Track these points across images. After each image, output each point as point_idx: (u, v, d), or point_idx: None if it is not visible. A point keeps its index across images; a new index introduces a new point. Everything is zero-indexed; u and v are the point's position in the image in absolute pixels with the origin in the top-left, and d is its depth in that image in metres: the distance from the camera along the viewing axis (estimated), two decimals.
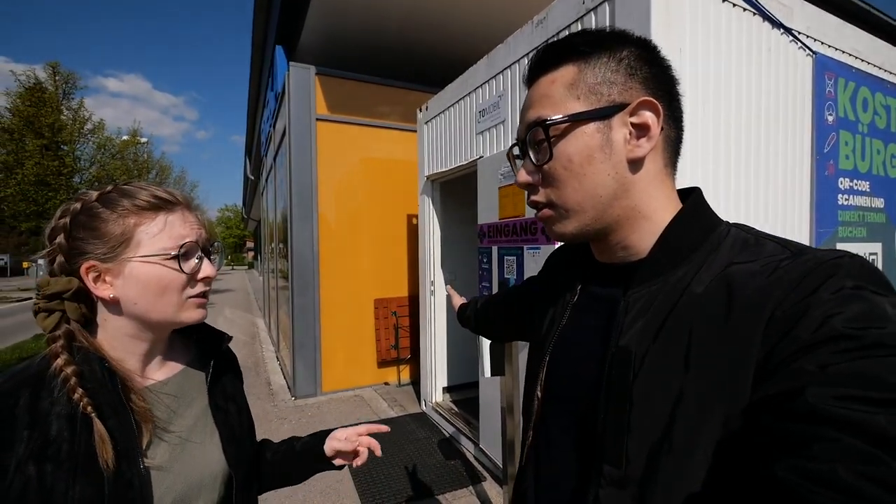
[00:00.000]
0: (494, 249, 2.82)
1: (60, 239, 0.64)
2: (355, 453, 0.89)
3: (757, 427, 0.37)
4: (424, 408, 4.14)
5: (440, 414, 3.82)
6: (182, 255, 0.67)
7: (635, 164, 0.51)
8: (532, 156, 0.54)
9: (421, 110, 3.92)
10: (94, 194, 0.67)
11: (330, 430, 0.93)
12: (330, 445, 0.89)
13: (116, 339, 0.68)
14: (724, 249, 0.48)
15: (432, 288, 3.95)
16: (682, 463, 0.41)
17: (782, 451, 0.33)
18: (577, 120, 0.50)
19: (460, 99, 3.26)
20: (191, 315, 0.70)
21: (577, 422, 0.54)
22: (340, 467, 0.90)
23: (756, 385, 0.38)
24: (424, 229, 3.97)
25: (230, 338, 0.85)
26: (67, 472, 0.57)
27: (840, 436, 0.31)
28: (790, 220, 2.13)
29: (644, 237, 0.53)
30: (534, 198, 0.56)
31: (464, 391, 4.15)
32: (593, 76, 0.51)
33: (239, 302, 14.06)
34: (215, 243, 0.76)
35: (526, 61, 2.57)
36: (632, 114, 0.50)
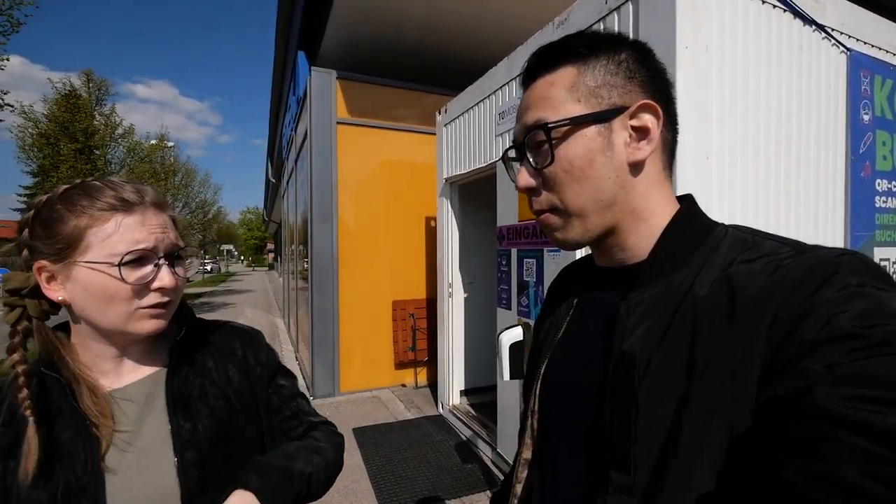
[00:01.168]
0: (514, 252, 2.78)
1: (25, 234, 0.62)
2: None
3: (763, 428, 0.36)
4: (441, 410, 4.11)
5: (457, 417, 3.78)
6: (127, 264, 0.60)
7: (636, 167, 0.51)
8: (532, 159, 0.53)
9: (440, 113, 3.91)
10: (62, 189, 0.64)
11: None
12: None
13: (83, 340, 0.65)
14: (723, 250, 0.47)
15: (450, 290, 3.92)
16: (689, 466, 0.41)
17: (789, 451, 0.33)
18: (578, 123, 0.50)
19: (480, 101, 3.23)
20: (142, 326, 0.63)
21: (580, 430, 0.53)
22: None
23: (762, 386, 0.37)
24: (443, 231, 3.95)
25: (199, 320, 0.76)
26: (24, 471, 0.56)
27: (848, 436, 0.30)
28: (824, 224, 2.04)
29: (643, 239, 0.53)
30: (536, 206, 0.55)
31: (481, 394, 4.11)
32: (593, 79, 0.50)
33: (259, 302, 14.21)
34: (186, 247, 0.71)
35: None
36: (632, 117, 0.50)
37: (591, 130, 0.50)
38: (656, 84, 0.52)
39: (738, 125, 1.82)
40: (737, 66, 1.81)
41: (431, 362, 4.84)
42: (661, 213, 0.53)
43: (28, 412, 0.57)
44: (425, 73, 5.24)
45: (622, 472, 0.44)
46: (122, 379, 0.67)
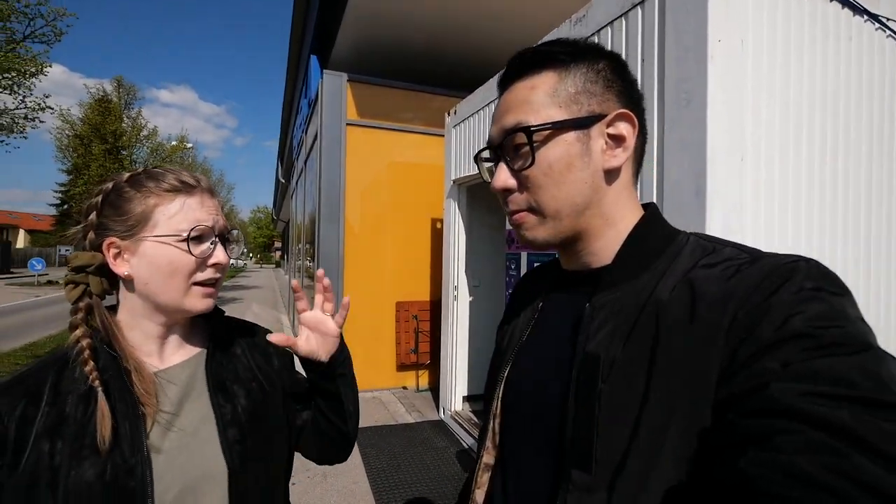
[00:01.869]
0: (524, 255, 2.54)
1: (92, 216, 0.65)
2: (318, 336, 0.76)
3: (722, 424, 0.36)
4: (443, 415, 3.83)
5: (459, 423, 3.50)
6: (193, 239, 0.63)
7: (610, 174, 0.51)
8: (509, 161, 0.52)
9: (449, 114, 3.67)
10: (126, 175, 0.67)
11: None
12: (303, 356, 0.75)
13: (133, 319, 0.66)
14: (684, 255, 0.47)
15: (455, 293, 3.66)
16: (650, 464, 0.40)
17: (746, 445, 0.32)
18: (559, 128, 0.49)
19: (490, 102, 3.00)
20: (195, 303, 0.65)
21: (544, 431, 0.51)
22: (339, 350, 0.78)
23: (720, 385, 0.37)
24: (449, 233, 3.70)
25: (229, 317, 0.78)
26: (74, 452, 0.56)
27: (804, 428, 0.30)
28: (877, 236, 1.75)
29: (609, 244, 0.52)
30: (512, 206, 0.53)
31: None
32: (573, 85, 0.50)
33: (266, 298, 14.14)
34: (234, 231, 0.72)
35: None
36: (609, 125, 0.50)
37: (571, 136, 0.49)
38: (630, 95, 0.51)
39: (775, 124, 1.55)
40: (775, 60, 1.55)
41: (434, 366, 4.57)
42: (627, 219, 0.52)
43: (97, 383, 0.59)
44: (434, 75, 5.06)
45: (583, 470, 0.43)
46: (164, 361, 0.68)
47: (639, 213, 0.54)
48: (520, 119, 0.50)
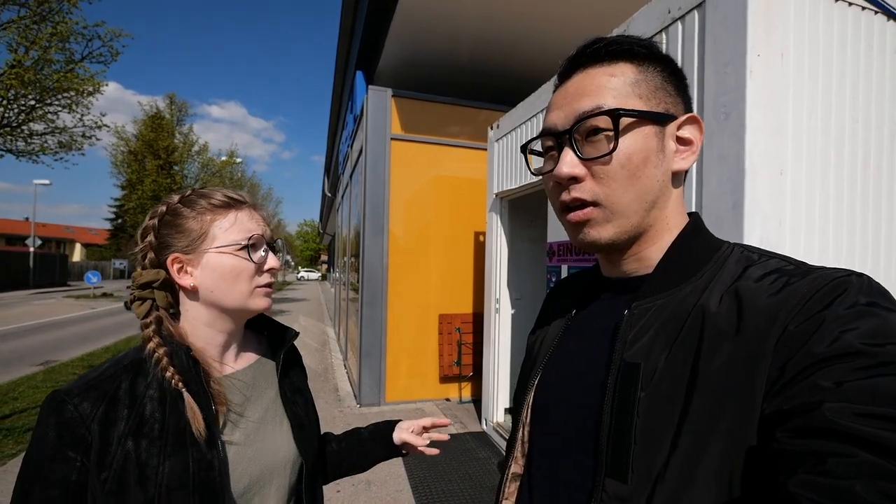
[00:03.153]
0: (564, 268, 2.68)
1: (150, 237, 0.71)
2: (431, 451, 0.97)
3: (769, 442, 0.36)
4: (485, 427, 4.00)
5: (501, 435, 3.65)
6: (251, 246, 0.72)
7: (677, 177, 0.52)
8: (579, 148, 0.50)
9: (492, 128, 3.89)
10: (177, 197, 0.75)
11: (395, 421, 1.00)
12: (399, 436, 0.96)
13: (197, 329, 0.73)
14: (730, 266, 0.48)
15: (497, 306, 3.84)
16: (690, 478, 0.40)
17: (795, 465, 0.32)
18: (644, 117, 0.49)
19: (532, 116, 3.19)
20: (258, 303, 0.75)
21: (577, 439, 0.51)
22: (406, 454, 0.98)
23: (768, 399, 0.37)
24: (492, 246, 3.90)
25: (296, 333, 0.88)
26: (159, 449, 0.63)
27: (858, 451, 0.30)
28: None
29: (658, 249, 0.52)
30: (576, 194, 0.50)
31: None
32: (652, 80, 0.50)
33: (312, 311, 14.72)
34: (278, 241, 0.81)
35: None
36: (679, 127, 0.51)
37: (650, 129, 0.49)
38: (690, 102, 0.53)
39: (817, 137, 1.64)
40: (817, 74, 1.65)
41: (476, 378, 4.76)
42: (677, 227, 0.53)
43: (180, 386, 0.66)
44: (478, 88, 5.29)
45: (619, 480, 0.44)
46: (225, 367, 0.76)
47: (685, 220, 0.54)
48: (600, 103, 0.48)
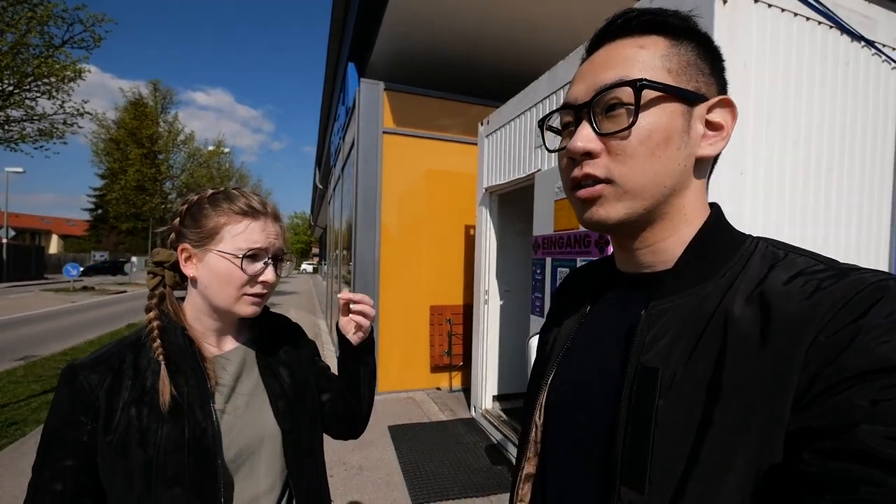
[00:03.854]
0: (548, 261, 2.87)
1: (176, 222, 0.80)
2: (361, 320, 0.93)
3: (796, 460, 0.35)
4: (474, 414, 4.22)
5: (489, 421, 3.88)
6: (247, 258, 0.77)
7: (701, 164, 0.49)
8: (597, 122, 0.48)
9: (482, 124, 4.06)
10: (209, 192, 0.82)
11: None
12: (344, 333, 0.95)
13: (195, 312, 0.81)
14: (753, 265, 0.45)
15: (486, 297, 4.04)
16: (711, 491, 0.39)
17: (823, 490, 0.32)
18: (672, 92, 0.46)
19: (521, 113, 3.36)
20: (243, 309, 0.80)
21: (590, 443, 0.50)
22: (365, 341, 0.96)
23: (795, 413, 0.36)
24: (481, 240, 4.09)
25: (273, 313, 0.94)
26: (158, 416, 0.71)
27: (889, 479, 0.29)
28: (867, 247, 2.02)
29: (677, 243, 0.50)
30: (588, 169, 0.48)
31: (512, 401, 4.20)
32: (685, 54, 0.47)
33: (303, 304, 14.79)
34: (287, 254, 0.86)
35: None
36: (710, 109, 0.48)
37: (677, 107, 0.46)
38: (726, 85, 0.50)
39: (775, 141, 1.84)
40: (776, 83, 1.84)
41: (466, 367, 4.98)
42: (698, 220, 0.50)
43: (161, 357, 0.73)
44: (470, 84, 5.43)
45: (635, 489, 0.43)
46: (221, 347, 0.84)
47: (707, 213, 0.52)
48: (624, 74, 0.46)
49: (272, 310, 0.95)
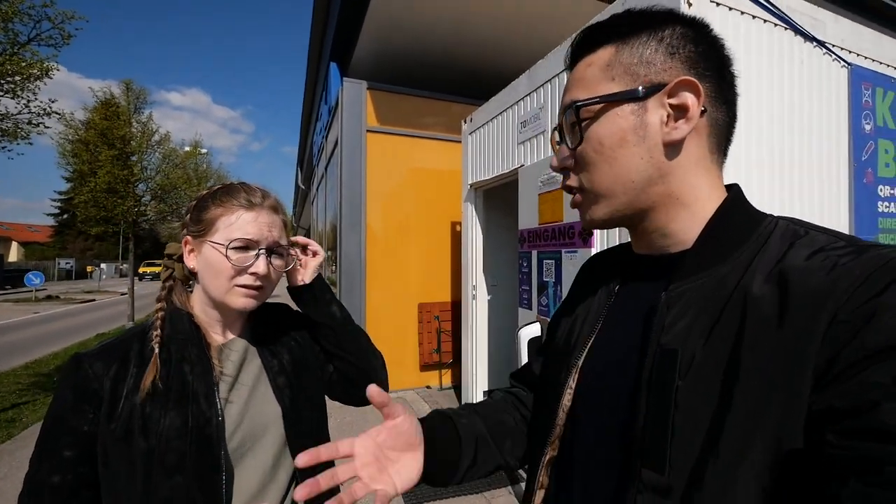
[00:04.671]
0: (534, 254, 3.05)
1: (187, 217, 0.85)
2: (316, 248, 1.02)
3: (819, 443, 0.35)
4: None
5: None
6: (234, 248, 0.78)
7: (673, 148, 0.50)
8: (567, 139, 0.54)
9: (466, 122, 4.22)
10: (216, 187, 0.86)
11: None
12: (298, 282, 0.98)
13: (200, 302, 0.85)
14: (773, 243, 0.46)
15: (474, 293, 4.20)
16: (731, 472, 0.39)
17: (847, 472, 0.32)
18: (609, 101, 0.50)
19: (503, 111, 3.53)
20: (236, 301, 0.80)
21: (613, 427, 0.52)
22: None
23: (816, 392, 0.36)
24: (467, 235, 4.24)
25: (282, 305, 1.00)
26: (161, 405, 0.73)
27: None
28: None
29: (685, 226, 0.52)
30: (567, 182, 0.56)
31: None
32: (630, 56, 0.50)
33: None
34: (285, 245, 0.87)
35: (565, 76, 2.84)
36: (670, 95, 0.49)
37: (625, 109, 0.50)
38: (707, 60, 0.50)
39: (739, 138, 2.01)
40: (738, 82, 2.04)
41: (456, 364, 5.11)
42: (705, 200, 0.52)
43: (155, 344, 0.76)
44: (452, 83, 5.60)
45: (656, 471, 0.43)
46: (225, 336, 0.87)
47: (721, 193, 0.53)
48: (572, 97, 0.52)
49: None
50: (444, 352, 5.18)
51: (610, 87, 0.51)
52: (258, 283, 0.81)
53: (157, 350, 0.76)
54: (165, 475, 0.70)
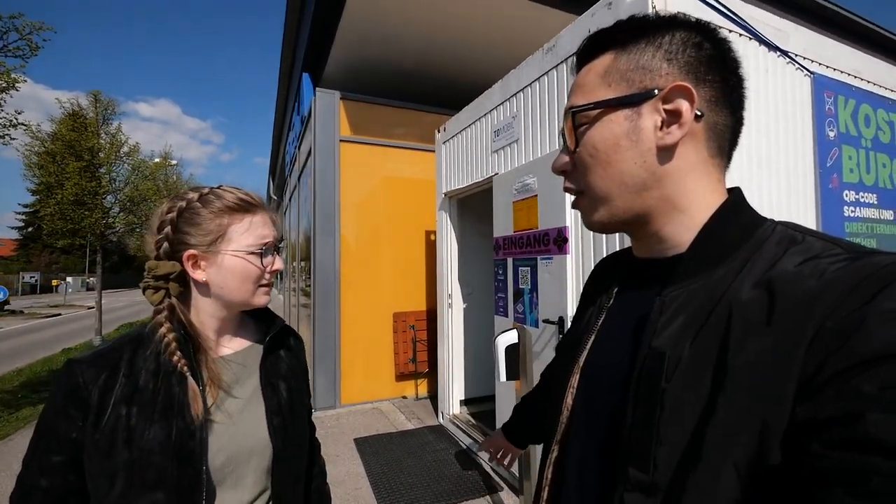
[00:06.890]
0: (510, 261, 2.96)
1: (168, 230, 0.77)
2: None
3: (802, 450, 0.34)
4: (442, 420, 4.23)
5: (457, 426, 3.90)
6: (258, 253, 0.80)
7: (667, 153, 0.50)
8: (566, 144, 0.56)
9: (439, 131, 4.15)
10: (195, 195, 0.80)
11: None
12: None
13: (199, 315, 0.82)
14: (768, 249, 0.45)
15: (450, 301, 4.09)
16: (712, 477, 0.39)
17: (833, 483, 0.31)
18: (603, 107, 0.51)
19: (476, 120, 3.47)
20: (260, 300, 0.84)
21: (605, 426, 0.52)
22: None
23: (801, 400, 0.35)
24: (442, 244, 4.15)
25: (283, 321, 0.95)
26: (146, 416, 0.71)
27: None
28: None
29: (680, 231, 0.52)
30: (566, 185, 0.58)
31: (480, 404, 4.23)
32: (626, 63, 0.51)
33: None
34: (283, 241, 0.89)
35: (537, 85, 2.82)
36: (665, 100, 0.49)
37: (619, 115, 0.50)
38: (707, 65, 0.49)
39: None
40: None
41: (432, 374, 4.97)
42: (701, 204, 0.51)
43: (185, 370, 0.75)
44: (426, 93, 5.51)
45: (641, 470, 0.44)
46: (219, 350, 0.84)
47: (720, 197, 0.52)
48: (571, 103, 0.54)
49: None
50: (420, 361, 5.03)
51: (606, 94, 0.51)
52: (272, 278, 0.84)
53: (189, 377, 0.75)
54: (146, 490, 0.69)
